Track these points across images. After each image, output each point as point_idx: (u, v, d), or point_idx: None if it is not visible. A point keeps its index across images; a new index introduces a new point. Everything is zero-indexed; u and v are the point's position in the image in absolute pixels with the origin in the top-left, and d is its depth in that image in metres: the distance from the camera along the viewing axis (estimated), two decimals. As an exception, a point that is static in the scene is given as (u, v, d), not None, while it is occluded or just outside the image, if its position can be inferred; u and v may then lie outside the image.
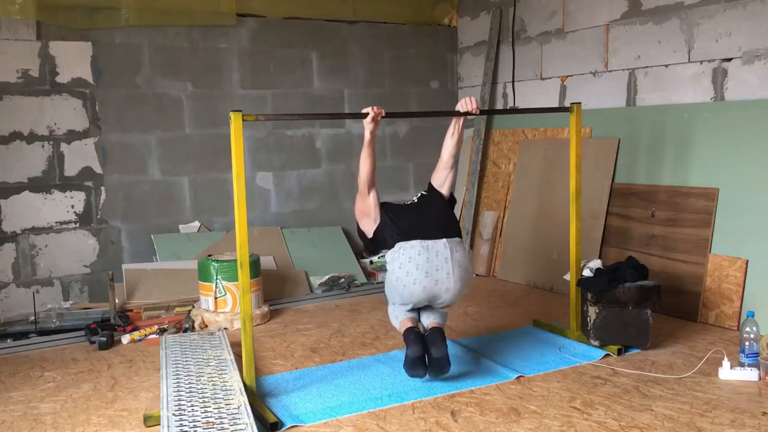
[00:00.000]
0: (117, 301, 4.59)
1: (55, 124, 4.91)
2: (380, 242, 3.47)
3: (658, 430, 2.74)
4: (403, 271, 3.27)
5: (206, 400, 3.02)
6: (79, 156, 4.99)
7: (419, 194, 3.64)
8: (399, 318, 3.44)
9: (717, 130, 4.21)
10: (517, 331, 4.13)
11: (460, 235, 3.44)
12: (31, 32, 4.78)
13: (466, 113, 3.53)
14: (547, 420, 2.87)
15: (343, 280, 5.26)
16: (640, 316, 3.62)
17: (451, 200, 3.62)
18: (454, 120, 3.56)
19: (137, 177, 5.20)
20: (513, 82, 5.83)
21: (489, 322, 4.38)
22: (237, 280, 3.35)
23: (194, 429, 2.72)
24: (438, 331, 3.30)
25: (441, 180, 3.58)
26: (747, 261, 3.98)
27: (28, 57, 4.79)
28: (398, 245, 3.31)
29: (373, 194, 3.45)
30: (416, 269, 3.25)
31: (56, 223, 4.95)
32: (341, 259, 5.58)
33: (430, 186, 3.62)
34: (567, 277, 3.97)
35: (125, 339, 4.12)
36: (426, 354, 3.23)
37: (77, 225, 5.02)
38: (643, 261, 3.95)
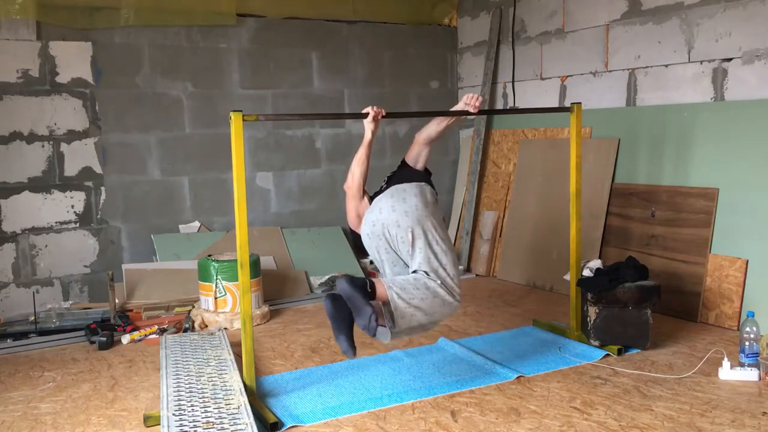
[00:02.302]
0: (117, 301, 4.59)
1: (55, 124, 4.91)
2: None
3: (658, 430, 2.74)
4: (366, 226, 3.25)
5: (206, 400, 3.02)
6: (79, 156, 5.00)
7: (386, 178, 3.51)
8: None
9: (717, 130, 4.21)
10: (517, 331, 4.13)
11: (420, 180, 3.31)
12: (31, 32, 4.78)
13: (466, 113, 3.53)
14: (547, 420, 2.87)
15: (343, 280, 5.26)
16: (640, 316, 3.62)
17: (426, 171, 3.52)
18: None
19: (137, 177, 5.20)
20: (513, 82, 5.83)
21: (489, 322, 4.38)
22: (237, 280, 3.35)
23: (194, 429, 2.72)
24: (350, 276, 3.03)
25: (415, 155, 3.47)
26: (747, 261, 3.98)
27: (28, 57, 4.79)
28: None
29: (366, 197, 3.41)
30: (368, 213, 3.23)
31: (56, 223, 4.95)
32: (341, 259, 5.58)
33: (402, 163, 3.53)
34: (567, 277, 3.97)
35: (125, 339, 4.12)
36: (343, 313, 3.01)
37: (77, 225, 5.02)
38: (643, 261, 3.95)
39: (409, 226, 3.09)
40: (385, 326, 3.12)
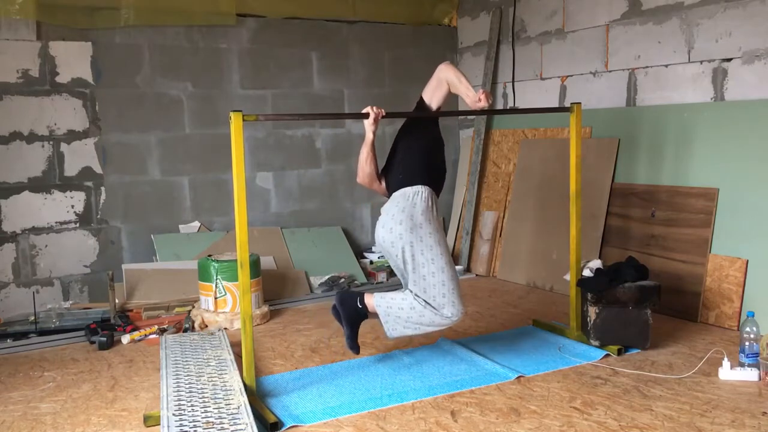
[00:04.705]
0: (117, 301, 4.59)
1: (55, 124, 4.91)
2: None
3: (658, 430, 2.74)
4: None
5: (206, 400, 3.02)
6: (79, 156, 5.00)
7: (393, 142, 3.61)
8: None
9: (717, 130, 4.21)
10: (517, 331, 4.13)
11: (413, 180, 3.35)
12: (31, 32, 4.78)
13: (468, 112, 3.54)
14: (547, 420, 2.87)
15: (343, 280, 5.26)
16: (640, 316, 3.62)
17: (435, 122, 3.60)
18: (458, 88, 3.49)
19: (137, 177, 5.20)
20: (513, 82, 5.83)
21: (489, 322, 4.38)
22: (237, 280, 3.35)
23: (194, 429, 2.72)
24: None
25: (432, 90, 3.50)
26: (747, 261, 3.98)
27: (28, 57, 4.79)
28: None
29: (384, 182, 3.51)
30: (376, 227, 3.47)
31: (56, 223, 4.95)
32: (341, 259, 5.58)
33: (418, 103, 3.55)
34: (567, 277, 3.97)
35: (125, 339, 4.12)
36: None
37: (77, 225, 5.02)
38: (643, 261, 3.95)
39: (397, 254, 3.29)
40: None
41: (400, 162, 3.45)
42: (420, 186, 3.34)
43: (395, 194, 3.38)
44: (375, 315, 3.38)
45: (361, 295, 3.38)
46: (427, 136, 3.51)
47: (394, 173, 3.44)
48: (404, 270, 3.31)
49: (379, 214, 3.41)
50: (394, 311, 3.30)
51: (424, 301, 3.25)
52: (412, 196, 3.32)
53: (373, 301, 3.35)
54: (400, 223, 3.26)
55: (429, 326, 3.30)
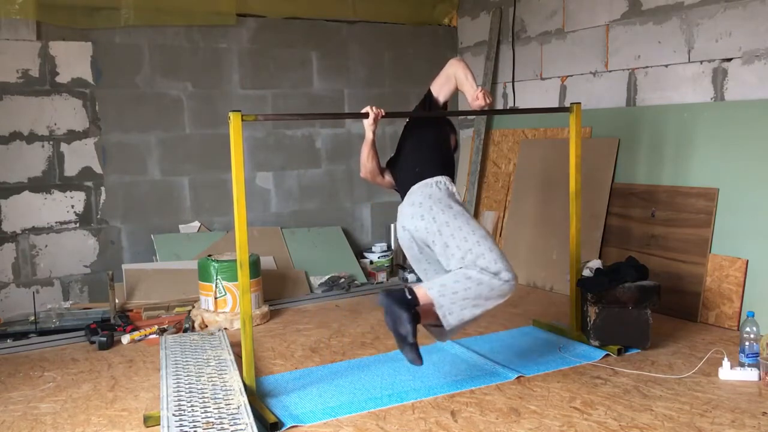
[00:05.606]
0: (117, 301, 4.59)
1: (55, 124, 4.91)
2: None
3: (658, 430, 2.74)
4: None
5: (206, 400, 3.02)
6: (79, 156, 4.99)
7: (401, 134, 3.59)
8: None
9: (717, 130, 4.21)
10: (517, 331, 4.13)
11: (430, 172, 3.29)
12: (31, 32, 4.78)
13: (467, 112, 3.54)
14: (547, 420, 2.87)
15: (343, 280, 5.27)
16: (640, 316, 3.62)
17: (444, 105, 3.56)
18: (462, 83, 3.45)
19: (137, 177, 5.20)
20: (513, 82, 5.83)
21: (489, 322, 4.37)
22: (237, 280, 3.35)
23: (194, 429, 2.72)
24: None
25: (440, 84, 3.49)
26: (747, 261, 3.98)
27: (28, 57, 4.79)
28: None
29: (387, 176, 3.54)
30: (398, 218, 3.36)
31: (56, 223, 4.95)
32: (341, 259, 5.58)
33: (426, 95, 3.51)
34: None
35: (125, 339, 4.12)
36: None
37: (77, 225, 5.02)
38: (643, 261, 3.95)
39: (434, 240, 3.11)
40: (440, 326, 3.10)
41: (413, 156, 3.42)
42: (439, 176, 3.33)
43: (413, 188, 3.31)
44: (428, 312, 3.02)
45: (409, 287, 3.06)
46: (435, 130, 3.51)
47: (409, 168, 3.39)
48: (446, 255, 3.06)
49: (392, 214, 3.40)
50: (449, 288, 2.97)
51: (479, 267, 2.97)
52: (433, 184, 3.29)
53: (423, 287, 3.02)
54: (430, 209, 3.15)
55: (489, 299, 2.99)
